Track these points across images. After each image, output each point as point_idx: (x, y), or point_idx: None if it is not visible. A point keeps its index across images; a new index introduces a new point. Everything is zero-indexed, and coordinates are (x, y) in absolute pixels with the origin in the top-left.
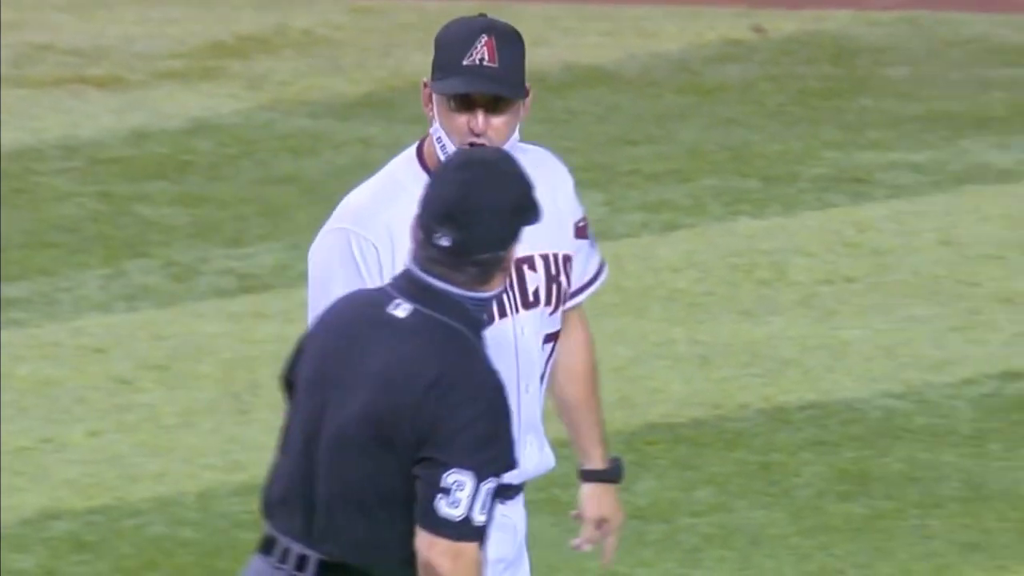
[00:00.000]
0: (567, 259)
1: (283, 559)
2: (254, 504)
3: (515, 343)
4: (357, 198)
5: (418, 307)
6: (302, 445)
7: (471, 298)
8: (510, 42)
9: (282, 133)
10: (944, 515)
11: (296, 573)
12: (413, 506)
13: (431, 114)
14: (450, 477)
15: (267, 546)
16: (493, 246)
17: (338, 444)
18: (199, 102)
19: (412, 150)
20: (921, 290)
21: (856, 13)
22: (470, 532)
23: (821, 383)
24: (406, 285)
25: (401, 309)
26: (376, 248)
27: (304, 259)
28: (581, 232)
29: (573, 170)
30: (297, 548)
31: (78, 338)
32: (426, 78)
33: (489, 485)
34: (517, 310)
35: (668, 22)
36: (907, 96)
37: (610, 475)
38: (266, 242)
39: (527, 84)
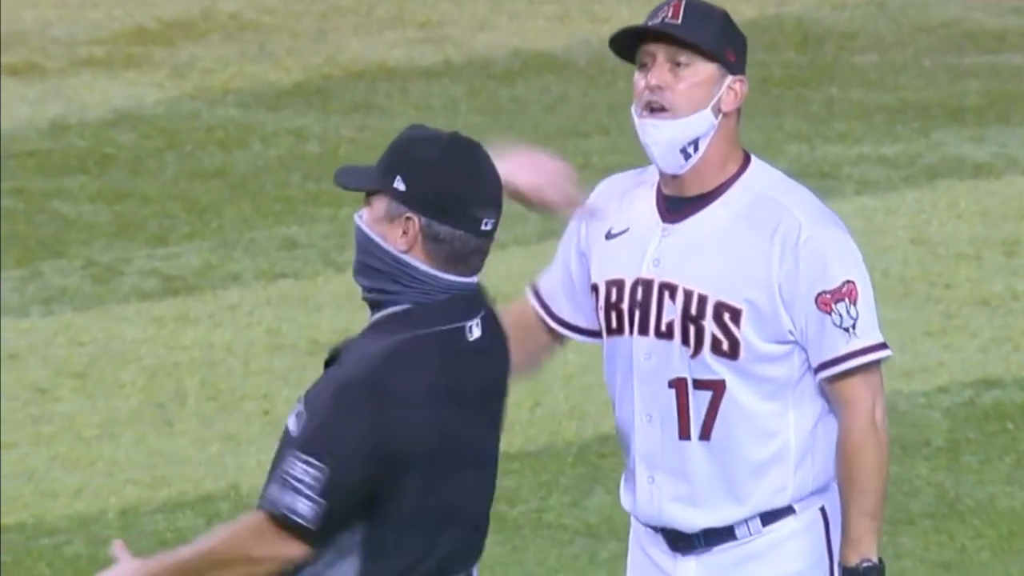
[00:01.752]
0: (724, 307)
1: None
2: (179, 522)
3: (632, 365)
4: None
5: (483, 313)
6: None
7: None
8: (702, 11)
9: (209, 124)
10: (916, 532)
11: None
12: None
13: None
14: None
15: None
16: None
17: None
18: (121, 91)
19: None
20: (892, 292)
21: None
22: None
23: None
24: (470, 303)
25: (476, 327)
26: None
27: (233, 259)
28: (823, 305)
29: None
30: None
31: None
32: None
33: None
34: (645, 333)
35: (621, 6)
36: (876, 85)
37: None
38: (192, 241)
39: (737, 71)
